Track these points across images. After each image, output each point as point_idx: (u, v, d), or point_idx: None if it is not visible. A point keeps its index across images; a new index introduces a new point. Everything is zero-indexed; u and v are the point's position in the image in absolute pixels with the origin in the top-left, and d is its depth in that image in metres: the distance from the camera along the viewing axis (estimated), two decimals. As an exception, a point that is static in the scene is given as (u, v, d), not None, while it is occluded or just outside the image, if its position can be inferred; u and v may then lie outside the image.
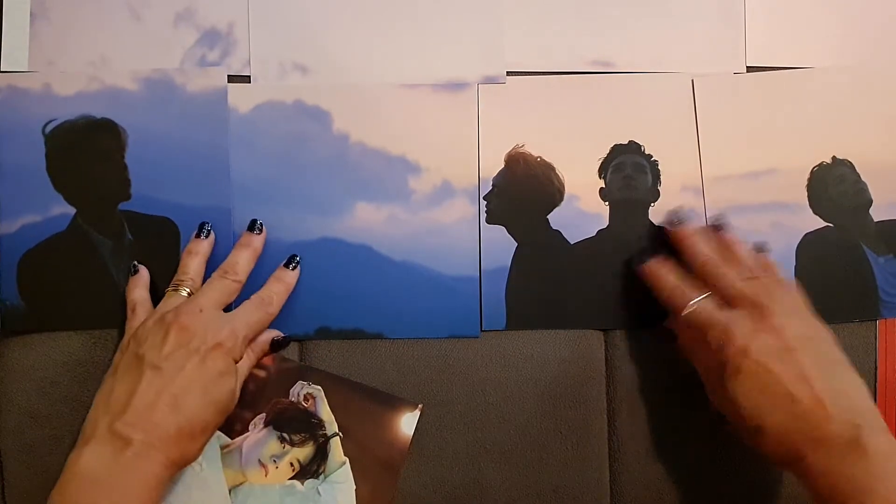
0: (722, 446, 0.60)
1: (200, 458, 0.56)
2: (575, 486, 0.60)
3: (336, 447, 0.58)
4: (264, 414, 0.58)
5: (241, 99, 0.61)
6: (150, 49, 0.61)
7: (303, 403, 0.58)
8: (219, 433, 0.57)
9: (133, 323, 0.57)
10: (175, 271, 0.59)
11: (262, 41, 0.62)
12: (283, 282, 0.59)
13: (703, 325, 0.54)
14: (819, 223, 0.62)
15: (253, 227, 0.60)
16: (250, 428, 0.58)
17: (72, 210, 0.60)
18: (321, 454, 0.58)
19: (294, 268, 0.60)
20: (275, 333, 0.59)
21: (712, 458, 0.60)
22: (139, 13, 0.61)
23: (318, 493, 0.57)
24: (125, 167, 0.60)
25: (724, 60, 0.63)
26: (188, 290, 0.57)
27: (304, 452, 0.58)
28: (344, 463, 0.57)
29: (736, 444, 0.59)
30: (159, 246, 0.60)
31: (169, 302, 0.57)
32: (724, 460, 0.60)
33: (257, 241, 0.60)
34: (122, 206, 0.61)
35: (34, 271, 0.59)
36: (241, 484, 0.57)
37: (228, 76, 0.61)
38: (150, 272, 0.60)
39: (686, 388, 0.60)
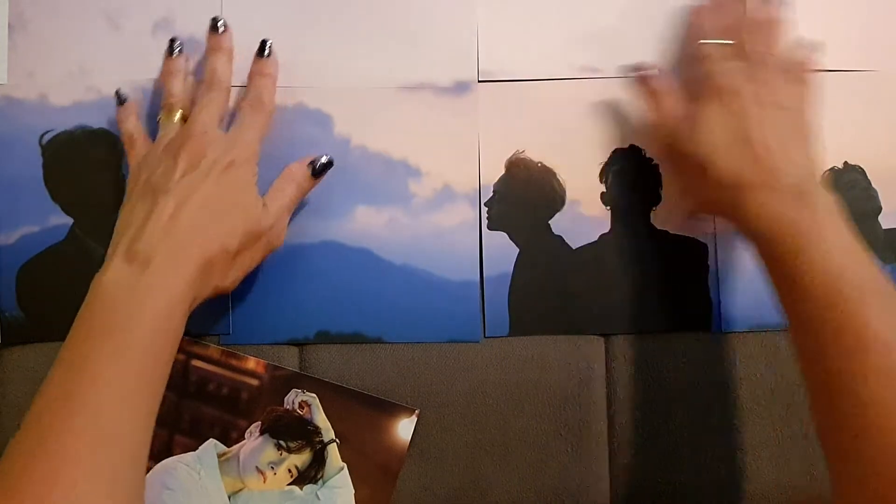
0: (722, 448, 0.60)
1: (199, 465, 0.57)
2: (575, 488, 0.60)
3: (334, 453, 0.58)
4: (260, 422, 0.58)
5: (242, 99, 0.61)
6: (129, 59, 0.61)
7: (298, 411, 0.58)
8: (215, 441, 0.58)
9: (137, 152, 0.56)
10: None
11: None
12: (267, 74, 0.57)
13: (706, 58, 0.55)
14: (827, 227, 0.61)
15: (215, 27, 0.58)
16: (246, 436, 0.58)
17: (70, 220, 0.60)
18: (319, 460, 0.58)
19: (269, 55, 0.58)
20: (309, 158, 0.57)
21: (713, 460, 0.60)
22: (117, 23, 0.61)
23: (318, 497, 0.57)
24: (122, 177, 0.60)
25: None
26: (181, 111, 0.56)
27: (301, 459, 0.58)
28: (342, 468, 0.58)
29: (736, 446, 0.60)
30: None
31: (168, 128, 0.55)
32: (724, 462, 0.60)
33: (226, 40, 0.57)
34: (120, 215, 0.61)
35: (33, 282, 0.59)
36: (240, 490, 0.57)
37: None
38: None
39: (686, 393, 0.60)
